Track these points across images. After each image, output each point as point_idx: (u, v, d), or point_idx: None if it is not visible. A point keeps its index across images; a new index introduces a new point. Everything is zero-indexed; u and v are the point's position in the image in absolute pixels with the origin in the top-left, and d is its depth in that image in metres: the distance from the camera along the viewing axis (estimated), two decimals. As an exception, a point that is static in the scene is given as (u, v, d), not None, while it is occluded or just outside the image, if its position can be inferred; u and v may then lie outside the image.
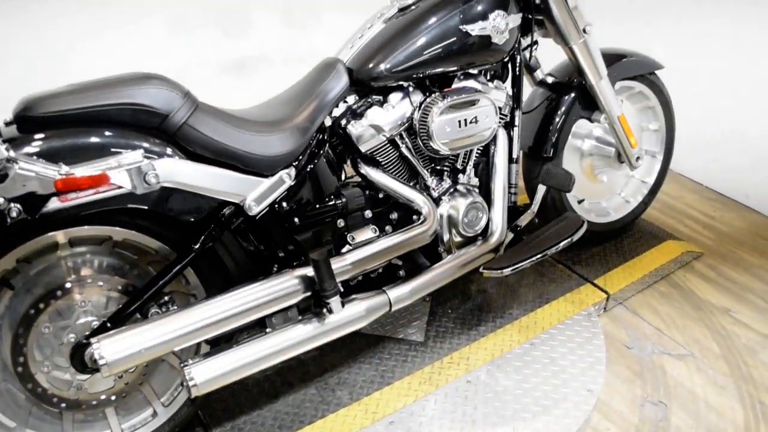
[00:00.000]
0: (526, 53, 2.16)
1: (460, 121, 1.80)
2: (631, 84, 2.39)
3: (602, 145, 2.44)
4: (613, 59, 2.29)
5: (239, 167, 1.54)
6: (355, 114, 1.79)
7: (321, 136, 1.74)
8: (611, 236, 2.64)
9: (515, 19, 1.89)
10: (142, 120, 1.44)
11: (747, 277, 2.57)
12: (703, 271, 2.59)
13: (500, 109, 1.97)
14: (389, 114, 1.77)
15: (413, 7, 1.82)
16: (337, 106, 1.77)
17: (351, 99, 1.84)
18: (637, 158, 2.40)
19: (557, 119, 2.24)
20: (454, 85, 1.88)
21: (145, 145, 1.44)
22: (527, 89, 2.37)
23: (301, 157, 1.66)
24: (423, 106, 1.78)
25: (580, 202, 2.51)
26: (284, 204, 1.66)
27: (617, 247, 2.62)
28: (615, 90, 2.31)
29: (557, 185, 2.05)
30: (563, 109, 2.25)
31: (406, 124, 1.80)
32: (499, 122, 1.97)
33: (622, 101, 2.32)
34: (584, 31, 2.07)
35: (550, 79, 2.30)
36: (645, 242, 2.67)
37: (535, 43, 2.15)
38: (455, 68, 1.83)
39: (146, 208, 1.47)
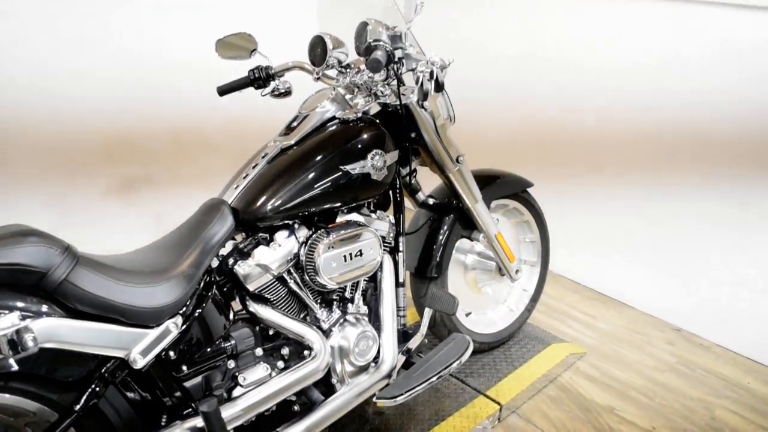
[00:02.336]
0: (407, 179, 2.28)
1: (345, 256, 1.86)
2: (505, 202, 2.57)
3: (483, 259, 2.58)
4: (487, 180, 2.46)
5: (123, 321, 1.52)
6: (241, 253, 1.81)
7: (208, 278, 1.75)
8: (499, 345, 2.75)
9: (393, 156, 2.00)
10: (18, 279, 1.39)
11: (628, 374, 2.72)
12: (587, 372, 2.72)
13: (384, 238, 2.05)
14: (276, 252, 1.80)
15: (296, 147, 1.90)
16: (223, 246, 1.79)
17: (238, 238, 1.86)
18: (517, 271, 2.55)
19: (439, 240, 2.36)
20: (339, 219, 1.95)
21: (22, 305, 1.39)
22: (410, 211, 2.49)
23: (188, 303, 1.65)
24: (309, 243, 1.83)
25: (467, 314, 2.61)
26: (171, 353, 1.64)
27: (506, 355, 2.72)
28: (491, 208, 2.47)
29: (442, 309, 2.14)
30: (444, 230, 2.37)
31: (293, 261, 1.84)
32: (384, 251, 2.05)
33: (498, 220, 2.48)
34: (458, 160, 2.23)
35: (431, 201, 2.42)
36: (532, 348, 2.79)
37: (414, 170, 2.28)
38: (339, 204, 1.91)
39: (23, 371, 1.41)
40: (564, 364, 2.74)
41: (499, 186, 2.50)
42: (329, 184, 1.86)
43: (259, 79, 2.13)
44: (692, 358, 2.86)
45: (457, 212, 2.39)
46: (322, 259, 1.81)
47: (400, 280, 2.15)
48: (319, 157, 1.86)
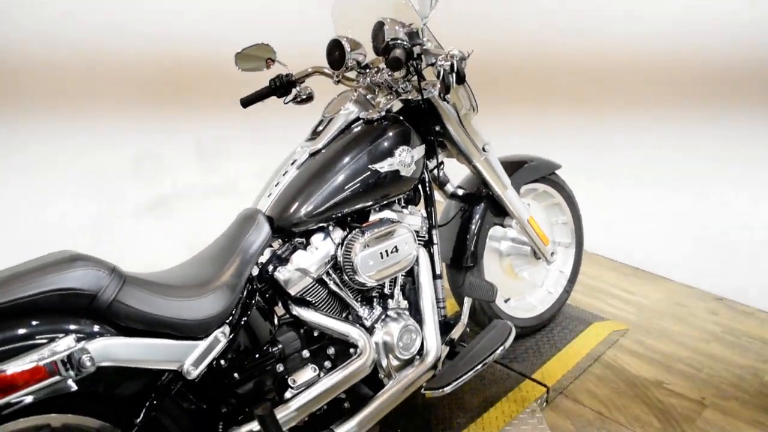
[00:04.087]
0: (435, 172, 2.30)
1: (381, 253, 1.89)
2: (534, 186, 2.57)
3: (518, 245, 2.59)
4: (514, 166, 2.47)
5: (173, 334, 1.57)
6: (280, 259, 1.85)
7: (250, 287, 1.79)
8: (541, 328, 2.76)
9: (420, 151, 2.03)
10: (70, 303, 1.44)
11: (673, 346, 2.71)
12: (631, 348, 2.72)
13: (417, 232, 2.08)
14: (313, 255, 1.84)
15: (323, 151, 1.94)
16: (262, 254, 1.83)
17: (275, 244, 1.91)
18: (552, 253, 2.55)
19: (472, 229, 2.37)
20: (372, 218, 1.98)
21: (76, 328, 1.44)
22: (441, 203, 2.51)
23: (234, 313, 1.70)
24: (345, 243, 1.87)
25: (506, 300, 2.62)
26: (222, 362, 1.68)
27: (548, 338, 2.73)
28: (521, 194, 2.48)
29: (481, 297, 2.16)
30: (476, 219, 2.39)
31: (331, 262, 1.87)
32: (418, 245, 2.07)
33: (529, 204, 2.49)
34: (484, 149, 2.24)
35: (460, 192, 2.44)
36: (573, 328, 2.79)
37: (441, 163, 2.30)
38: (371, 203, 1.94)
39: (83, 390, 1.46)
40: (607, 342, 2.74)
41: (528, 170, 2.50)
42: (360, 184, 1.89)
43: (281, 87, 2.18)
44: (736, 325, 2.84)
45: (488, 200, 2.41)
46: (359, 258, 1.84)
47: (437, 272, 2.17)
48: (347, 159, 1.89)
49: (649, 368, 2.59)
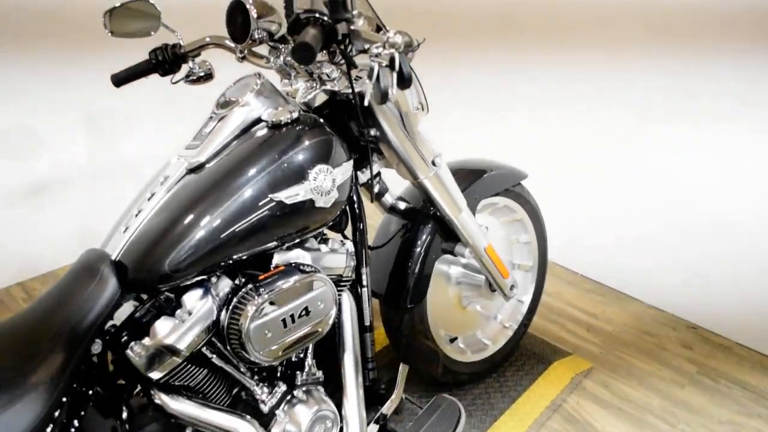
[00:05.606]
0: (369, 183, 1.74)
1: (285, 320, 1.32)
2: (494, 200, 2.04)
3: (471, 272, 2.06)
4: (471, 177, 1.93)
5: None
6: (138, 328, 1.26)
7: (83, 378, 1.20)
8: (493, 370, 2.26)
9: (345, 170, 1.45)
10: None
11: (642, 391, 2.28)
12: (596, 392, 2.27)
13: (341, 275, 1.52)
14: (184, 325, 1.25)
15: (207, 166, 1.34)
16: (109, 319, 1.24)
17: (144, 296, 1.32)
18: (512, 287, 2.04)
19: (414, 260, 1.83)
20: (276, 260, 1.40)
21: None
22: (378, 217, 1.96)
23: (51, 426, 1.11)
24: (231, 306, 1.29)
25: (452, 340, 2.11)
26: None
27: (500, 383, 2.24)
28: (478, 210, 1.95)
29: (422, 368, 1.63)
30: (420, 245, 1.84)
31: (213, 331, 1.30)
32: (339, 295, 1.53)
33: (487, 228, 1.95)
34: (434, 162, 1.68)
35: (402, 205, 1.89)
36: (530, 370, 2.31)
37: (378, 174, 1.75)
38: (273, 245, 1.36)
39: None
40: (568, 387, 2.27)
41: (487, 182, 1.96)
42: (256, 220, 1.30)
43: (164, 62, 1.57)
44: (713, 364, 2.43)
45: (436, 221, 1.86)
46: (252, 329, 1.27)
47: (366, 322, 1.64)
48: (238, 183, 1.30)
49: (616, 422, 2.14)
